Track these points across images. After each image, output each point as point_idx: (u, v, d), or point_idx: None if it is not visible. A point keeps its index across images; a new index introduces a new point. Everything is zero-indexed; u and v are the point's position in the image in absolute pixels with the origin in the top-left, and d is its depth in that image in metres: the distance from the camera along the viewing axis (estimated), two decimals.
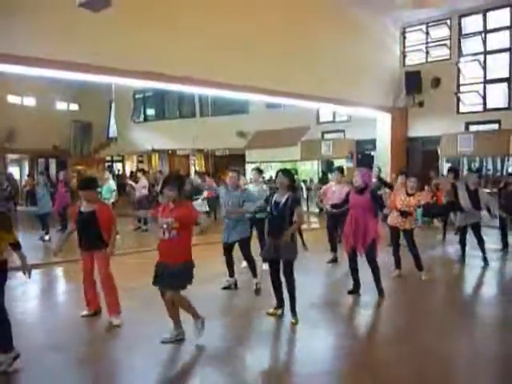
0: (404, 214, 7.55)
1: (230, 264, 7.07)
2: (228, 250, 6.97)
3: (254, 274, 7.01)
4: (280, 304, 5.82)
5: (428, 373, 4.39)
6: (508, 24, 15.18)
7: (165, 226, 4.71)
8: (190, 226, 4.82)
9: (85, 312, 5.80)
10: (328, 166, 19.19)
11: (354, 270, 6.77)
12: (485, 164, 16.82)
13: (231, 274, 7.12)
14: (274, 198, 5.60)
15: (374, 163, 15.62)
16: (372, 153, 17.76)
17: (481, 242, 8.75)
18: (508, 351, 4.88)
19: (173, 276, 4.69)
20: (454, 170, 10.93)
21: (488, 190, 10.84)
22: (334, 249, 9.03)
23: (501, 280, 8.38)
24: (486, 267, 8.56)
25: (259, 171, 8.68)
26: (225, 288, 7.05)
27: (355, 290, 6.81)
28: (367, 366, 4.55)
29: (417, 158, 17.19)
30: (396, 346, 5.04)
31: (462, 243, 8.96)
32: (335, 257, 8.96)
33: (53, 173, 23.61)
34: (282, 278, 5.66)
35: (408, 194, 7.64)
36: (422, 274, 7.65)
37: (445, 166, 16.35)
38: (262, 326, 5.54)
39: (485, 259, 8.66)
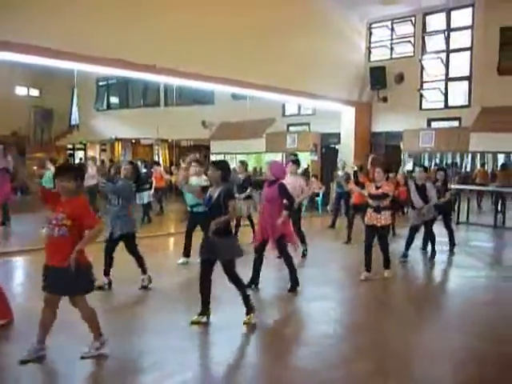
0: (378, 209, 7.12)
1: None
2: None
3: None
4: (205, 310, 5.26)
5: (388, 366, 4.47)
6: (470, 23, 15.51)
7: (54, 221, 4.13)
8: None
9: None
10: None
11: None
12: (445, 160, 17.24)
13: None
14: (209, 193, 5.20)
15: (339, 157, 15.77)
16: (336, 146, 17.92)
17: (433, 238, 8.85)
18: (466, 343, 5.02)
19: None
20: (424, 166, 11.05)
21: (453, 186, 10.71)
22: None
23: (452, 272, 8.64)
24: (434, 260, 8.76)
25: (200, 163, 8.18)
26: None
27: (252, 282, 6.54)
28: (329, 361, 4.60)
29: (380, 152, 17.42)
30: (357, 339, 5.12)
31: (410, 241, 8.66)
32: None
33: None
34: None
35: (377, 187, 7.24)
36: (386, 272, 7.45)
37: (407, 161, 16.72)
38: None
39: (433, 253, 8.85)
